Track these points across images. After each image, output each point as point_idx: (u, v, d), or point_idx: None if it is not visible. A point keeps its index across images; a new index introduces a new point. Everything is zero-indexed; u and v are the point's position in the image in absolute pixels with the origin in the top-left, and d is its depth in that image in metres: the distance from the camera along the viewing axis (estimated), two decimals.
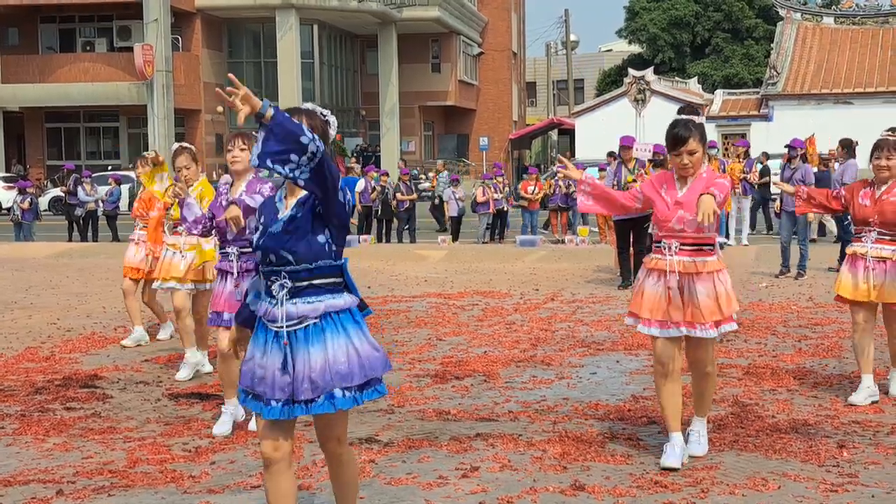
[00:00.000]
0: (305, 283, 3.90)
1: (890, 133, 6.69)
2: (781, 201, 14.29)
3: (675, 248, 5.36)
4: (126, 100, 39.40)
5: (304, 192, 3.94)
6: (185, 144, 7.73)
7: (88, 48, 42.33)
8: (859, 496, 4.97)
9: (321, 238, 3.90)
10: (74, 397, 7.26)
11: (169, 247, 8.30)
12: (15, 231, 22.92)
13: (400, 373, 7.98)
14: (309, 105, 4.02)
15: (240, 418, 6.38)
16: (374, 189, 21.49)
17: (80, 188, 22.96)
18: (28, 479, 5.38)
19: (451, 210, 21.77)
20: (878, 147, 6.69)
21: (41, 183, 38.99)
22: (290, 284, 3.90)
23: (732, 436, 5.97)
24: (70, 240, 22.82)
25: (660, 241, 5.44)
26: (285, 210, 3.97)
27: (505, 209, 21.79)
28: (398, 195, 21.45)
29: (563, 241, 19.74)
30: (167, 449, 5.90)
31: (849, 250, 6.87)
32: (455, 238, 21.01)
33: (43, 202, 33.11)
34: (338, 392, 3.88)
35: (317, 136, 3.71)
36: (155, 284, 8.57)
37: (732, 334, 9.32)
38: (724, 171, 17.22)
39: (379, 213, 21.56)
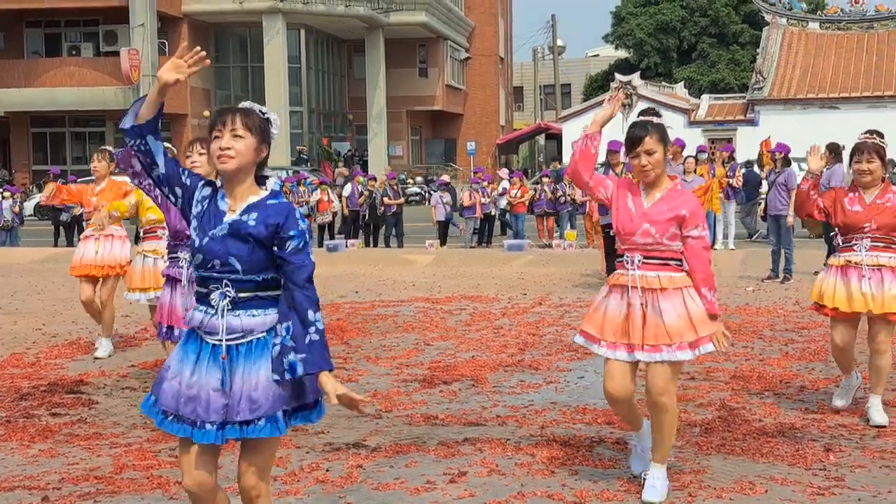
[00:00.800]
0: (250, 294, 3.63)
1: (868, 136, 6.43)
2: (766, 206, 14.32)
3: (638, 261, 4.95)
4: (112, 104, 39.27)
5: (255, 198, 3.69)
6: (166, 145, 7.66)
7: (74, 52, 42.21)
8: (846, 499, 4.98)
9: (269, 253, 3.65)
10: (60, 403, 7.22)
11: (149, 253, 8.12)
12: (1, 235, 22.85)
13: (387, 377, 7.97)
14: (247, 103, 3.77)
15: None
16: (361, 194, 21.48)
17: None
18: (13, 485, 5.35)
19: (438, 215, 21.78)
20: (858, 150, 6.38)
21: (27, 188, 38.82)
22: (233, 294, 3.62)
23: (719, 439, 5.98)
24: (56, 245, 22.74)
25: (622, 255, 5.05)
26: (230, 212, 3.68)
27: (492, 213, 21.82)
28: (385, 200, 21.45)
29: (550, 246, 19.76)
30: (154, 455, 5.87)
31: (835, 260, 6.47)
32: (443, 242, 21.01)
33: (28, 207, 32.95)
34: (280, 415, 3.61)
35: (318, 318, 3.57)
36: (143, 298, 8.28)
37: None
38: (713, 176, 17.24)
39: (367, 217, 21.56)
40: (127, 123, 3.68)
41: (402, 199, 22.30)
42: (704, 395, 7.15)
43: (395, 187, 22.14)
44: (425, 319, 11.01)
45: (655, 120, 5.08)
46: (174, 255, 6.35)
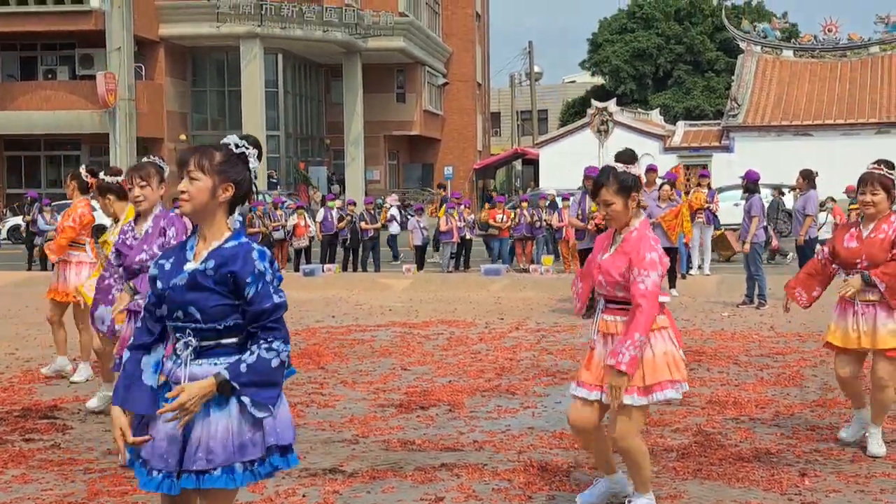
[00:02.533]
0: (213, 343, 3.56)
1: (876, 166, 6.19)
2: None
3: (602, 306, 4.98)
4: (88, 128, 39.16)
5: (218, 242, 3.59)
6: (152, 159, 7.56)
7: (50, 76, 42.09)
8: None
9: (231, 300, 3.56)
10: (34, 428, 7.16)
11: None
12: None
13: (364, 402, 7.95)
14: (227, 138, 3.69)
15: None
16: (341, 218, 21.49)
17: (40, 217, 22.77)
18: None
19: (415, 239, 21.79)
20: (863, 181, 6.15)
21: (1, 212, 38.58)
22: (195, 343, 3.55)
23: (696, 464, 5.99)
24: (30, 269, 22.60)
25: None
26: (194, 261, 3.59)
27: (468, 237, 21.83)
28: (362, 224, 21.44)
29: (527, 271, 19.79)
30: (128, 481, 5.82)
31: (836, 297, 6.35)
32: (420, 267, 21.02)
33: (2, 230, 32.79)
34: (238, 466, 3.51)
35: (283, 348, 3.51)
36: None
37: (695, 364, 9.39)
38: (679, 195, 17.33)
39: (348, 242, 21.55)
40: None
41: (378, 224, 22.31)
42: (680, 420, 7.17)
43: (372, 212, 22.15)
44: (402, 344, 10.99)
45: (621, 167, 4.92)
46: (136, 291, 6.32)
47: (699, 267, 18.50)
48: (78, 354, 9.43)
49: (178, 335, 3.59)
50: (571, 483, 5.65)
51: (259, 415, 3.49)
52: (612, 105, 43.42)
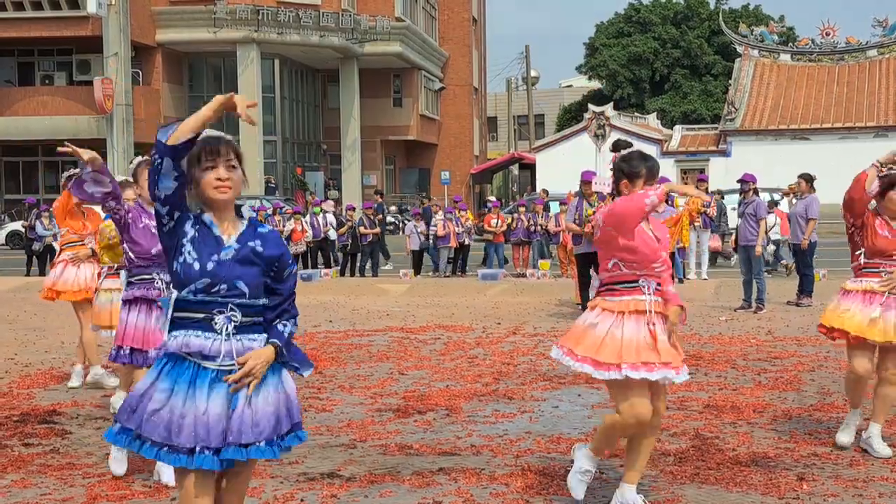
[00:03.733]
0: (251, 320, 3.74)
1: None
2: (737, 236, 14.43)
3: (653, 287, 5.11)
4: (85, 134, 39.09)
5: (243, 226, 3.82)
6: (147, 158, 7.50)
7: (47, 82, 42.07)
8: None
9: (264, 279, 3.83)
10: (33, 433, 7.16)
11: (104, 291, 7.90)
12: None
13: (362, 407, 7.96)
14: (217, 133, 3.89)
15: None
16: (341, 224, 21.49)
17: (38, 222, 22.75)
18: None
19: (412, 244, 21.80)
20: (893, 182, 6.18)
21: None
22: (239, 318, 3.70)
23: (693, 469, 6.00)
24: (28, 274, 22.59)
25: (636, 281, 5.11)
26: (226, 237, 3.75)
27: (466, 242, 21.85)
28: (360, 229, 21.45)
29: (524, 275, 19.80)
30: (127, 485, 5.83)
31: (856, 285, 6.31)
32: (417, 272, 21.02)
33: (0, 236, 32.77)
34: (275, 439, 3.74)
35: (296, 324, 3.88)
36: (91, 327, 8.28)
37: (693, 368, 9.41)
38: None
39: (349, 247, 21.56)
40: (163, 138, 3.74)
41: (377, 229, 22.31)
42: (678, 424, 7.18)
43: (371, 217, 22.16)
44: (399, 349, 11.00)
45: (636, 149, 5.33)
46: (145, 277, 6.32)
47: (696, 270, 18.52)
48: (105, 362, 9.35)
49: (215, 310, 3.68)
50: (569, 487, 5.65)
51: (306, 373, 3.89)
52: (609, 109, 43.49)
